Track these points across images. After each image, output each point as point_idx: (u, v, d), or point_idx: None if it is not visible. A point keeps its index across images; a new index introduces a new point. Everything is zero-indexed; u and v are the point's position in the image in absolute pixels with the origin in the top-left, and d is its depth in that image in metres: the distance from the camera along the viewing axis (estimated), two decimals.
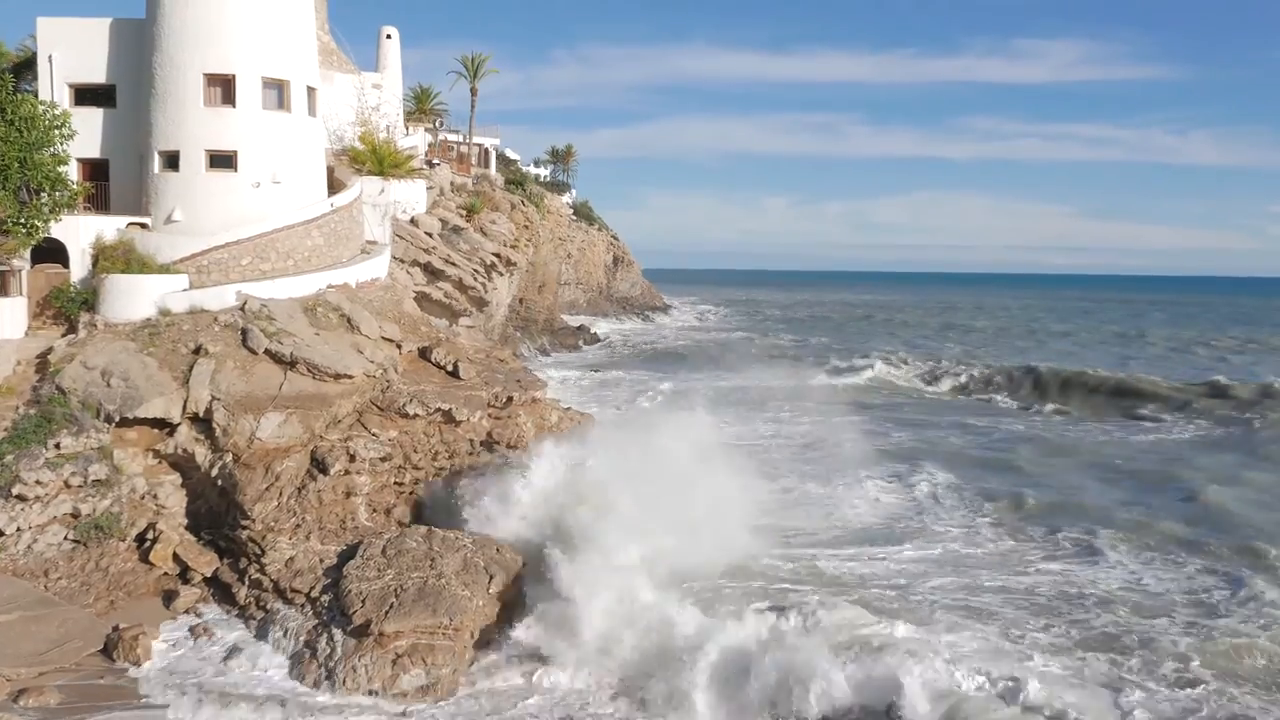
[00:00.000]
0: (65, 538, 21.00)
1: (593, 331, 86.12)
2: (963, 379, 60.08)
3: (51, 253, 26.46)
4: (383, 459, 23.23)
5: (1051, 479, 33.29)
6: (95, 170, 28.80)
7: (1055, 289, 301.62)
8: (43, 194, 25.44)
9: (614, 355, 75.41)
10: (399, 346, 27.03)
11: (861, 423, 41.42)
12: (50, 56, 28.25)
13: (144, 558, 21.75)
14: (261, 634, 19.45)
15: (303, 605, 19.68)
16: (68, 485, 21.10)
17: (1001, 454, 37.58)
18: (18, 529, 20.43)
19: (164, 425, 22.93)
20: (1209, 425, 45.53)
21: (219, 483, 22.37)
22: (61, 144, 26.07)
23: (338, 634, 18.70)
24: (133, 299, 25.30)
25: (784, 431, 40.55)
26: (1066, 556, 24.56)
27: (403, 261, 36.97)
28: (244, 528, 21.50)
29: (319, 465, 22.42)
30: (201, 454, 22.68)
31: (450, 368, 26.84)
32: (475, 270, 42.14)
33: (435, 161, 49.31)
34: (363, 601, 18.82)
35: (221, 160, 27.65)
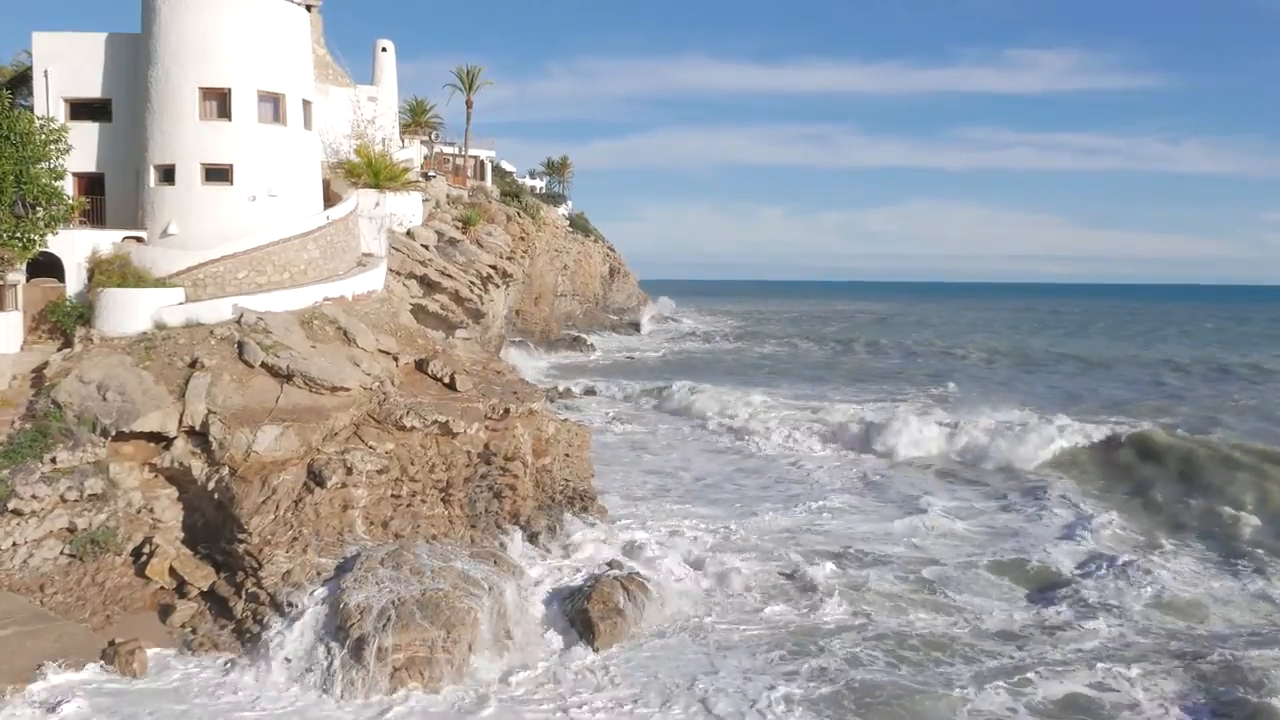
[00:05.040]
0: (61, 552, 20.94)
1: (589, 343, 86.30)
2: None
3: (47, 267, 26.43)
4: (380, 471, 23.19)
5: None
6: (91, 184, 28.77)
7: (1053, 298, 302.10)
8: (38, 208, 25.41)
9: (621, 368, 75.39)
10: (396, 359, 27.01)
11: None
12: (46, 71, 28.25)
13: (140, 572, 21.68)
14: (258, 648, 19.36)
15: (299, 619, 19.59)
16: (64, 500, 21.04)
17: None
18: (13, 544, 20.36)
19: (160, 439, 22.86)
20: None
21: (215, 496, 22.31)
22: (57, 158, 26.05)
23: (335, 647, 18.66)
24: (128, 313, 25.24)
25: None
26: None
27: (399, 274, 36.98)
28: (241, 541, 21.43)
29: (316, 478, 22.37)
30: (198, 468, 22.62)
31: (447, 380, 26.83)
32: (471, 282, 42.18)
33: (431, 174, 49.39)
34: (360, 614, 18.78)
35: (217, 174, 27.64)
